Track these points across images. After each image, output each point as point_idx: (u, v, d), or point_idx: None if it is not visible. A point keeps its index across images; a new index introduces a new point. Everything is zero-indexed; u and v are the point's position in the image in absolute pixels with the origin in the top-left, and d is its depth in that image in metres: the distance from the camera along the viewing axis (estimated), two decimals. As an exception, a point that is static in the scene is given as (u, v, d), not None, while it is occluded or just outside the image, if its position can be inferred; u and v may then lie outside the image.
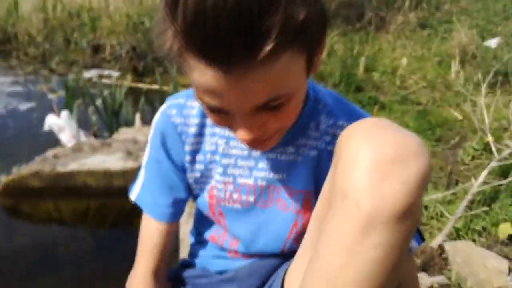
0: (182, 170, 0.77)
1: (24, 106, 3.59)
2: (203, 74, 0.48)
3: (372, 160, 0.46)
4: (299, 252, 0.69)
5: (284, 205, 0.73)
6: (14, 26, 5.29)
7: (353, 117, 0.69)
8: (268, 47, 0.44)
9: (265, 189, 0.73)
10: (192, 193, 0.81)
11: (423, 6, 6.32)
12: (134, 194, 0.81)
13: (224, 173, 0.74)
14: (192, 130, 0.74)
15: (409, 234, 0.46)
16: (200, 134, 0.74)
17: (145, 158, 0.80)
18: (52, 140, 2.83)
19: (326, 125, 0.70)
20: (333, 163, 0.55)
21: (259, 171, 0.73)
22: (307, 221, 0.71)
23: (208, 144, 0.74)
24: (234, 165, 0.73)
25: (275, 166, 0.72)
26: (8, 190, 2.13)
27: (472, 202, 2.19)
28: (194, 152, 0.75)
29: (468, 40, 4.47)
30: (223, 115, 0.55)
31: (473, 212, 2.12)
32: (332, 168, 0.56)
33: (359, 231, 0.45)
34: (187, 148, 0.75)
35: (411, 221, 0.45)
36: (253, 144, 0.58)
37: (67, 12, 5.35)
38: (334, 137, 0.69)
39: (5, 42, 5.36)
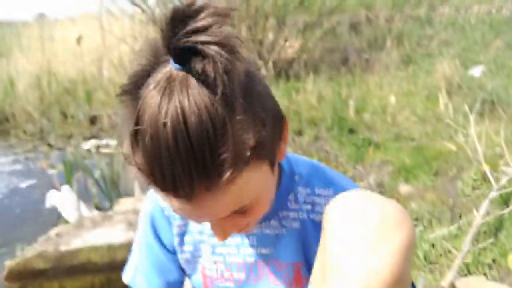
0: (173, 252, 0.78)
1: (25, 184, 3.64)
2: (169, 201, 0.50)
3: (358, 233, 0.48)
4: None
5: (275, 279, 0.73)
6: (11, 105, 5.45)
7: (330, 183, 0.71)
8: (225, 177, 0.46)
9: (254, 265, 0.74)
10: (185, 273, 0.82)
11: (404, 44, 6.57)
12: (127, 277, 0.81)
13: (213, 253, 0.75)
14: None
15: None
16: None
17: (136, 239, 0.81)
18: (54, 215, 2.85)
19: (305, 195, 0.71)
20: (322, 236, 0.56)
21: (246, 247, 0.73)
22: None
23: (194, 225, 0.75)
24: (223, 244, 0.74)
25: (261, 241, 0.73)
26: (13, 274, 2.11)
27: (478, 234, 2.18)
28: (182, 234, 0.76)
29: (452, 71, 4.62)
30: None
31: (480, 246, 2.10)
32: (321, 241, 0.57)
33: None
34: (175, 230, 0.76)
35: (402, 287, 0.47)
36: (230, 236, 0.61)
37: (62, 87, 5.53)
38: (314, 205, 0.71)
39: (3, 121, 5.51)
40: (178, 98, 0.43)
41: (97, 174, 2.89)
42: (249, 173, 0.50)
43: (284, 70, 5.79)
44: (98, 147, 4.22)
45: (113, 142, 4.34)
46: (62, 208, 2.75)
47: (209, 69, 0.43)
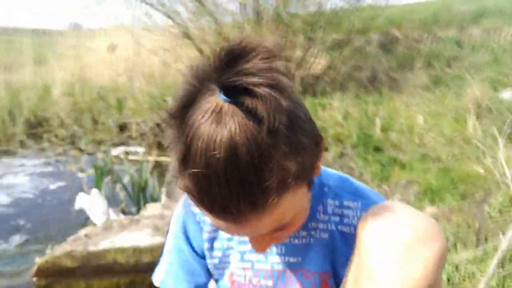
0: (202, 256, 0.81)
1: (55, 186, 3.76)
2: (215, 221, 0.53)
3: (394, 244, 0.51)
4: None
5: (302, 286, 0.75)
6: (45, 110, 5.66)
7: (359, 196, 0.73)
8: (269, 202, 0.48)
9: (282, 273, 0.75)
10: (212, 277, 0.84)
11: (433, 65, 6.51)
12: (158, 279, 0.85)
13: (242, 259, 0.77)
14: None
15: None
16: None
17: (168, 243, 0.83)
18: (82, 218, 2.94)
19: (333, 207, 0.73)
20: (355, 246, 0.59)
21: (274, 256, 0.75)
22: None
23: (224, 232, 0.80)
24: (250, 251, 0.75)
25: (289, 251, 0.74)
26: (42, 271, 2.19)
27: (503, 259, 2.13)
28: (212, 240, 0.79)
29: (481, 93, 4.55)
30: None
31: (506, 271, 2.05)
32: (355, 251, 0.60)
33: None
34: (205, 236, 0.78)
35: None
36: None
37: (95, 94, 5.73)
38: (342, 216, 0.72)
39: (37, 126, 5.72)
40: (228, 128, 0.45)
41: (126, 179, 2.97)
42: (290, 196, 0.51)
43: (311, 86, 5.83)
44: (126, 153, 4.34)
45: (141, 150, 4.46)
46: (91, 211, 2.84)
47: (259, 106, 0.45)
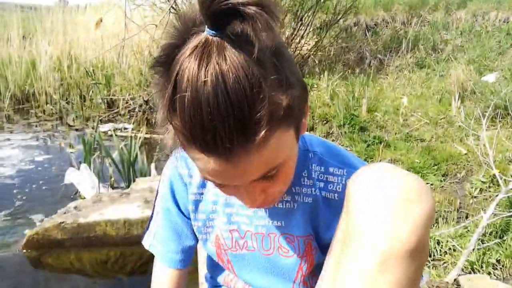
0: (189, 217, 0.82)
1: (44, 161, 3.74)
2: (206, 162, 0.52)
3: (385, 202, 0.51)
4: None
5: (285, 251, 0.76)
6: (32, 85, 5.58)
7: (344, 163, 0.74)
8: (260, 135, 0.49)
9: (265, 237, 0.76)
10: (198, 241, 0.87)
11: (420, 48, 6.57)
12: (147, 243, 0.86)
13: (229, 222, 0.78)
14: (196, 180, 0.79)
15: (421, 268, 0.51)
16: (202, 185, 0.79)
17: (156, 206, 0.85)
18: (72, 192, 2.95)
19: (318, 173, 0.73)
20: (344, 207, 0.59)
21: (259, 219, 0.76)
22: (311, 264, 0.75)
23: (210, 195, 0.78)
24: (237, 213, 0.77)
25: (273, 214, 0.75)
26: (32, 243, 2.21)
27: (484, 235, 2.23)
28: (197, 202, 0.80)
29: (466, 77, 4.63)
30: (227, 188, 0.60)
31: (485, 245, 2.15)
32: (343, 212, 0.60)
33: (376, 269, 0.50)
34: (190, 197, 0.79)
35: (422, 256, 0.51)
36: (258, 208, 0.65)
37: (83, 70, 5.65)
38: (327, 183, 0.73)
39: (24, 101, 5.64)
40: (215, 60, 0.45)
41: (115, 154, 2.98)
42: (280, 134, 0.52)
43: (299, 66, 5.84)
44: (115, 130, 4.32)
45: (129, 126, 4.45)
46: (80, 185, 2.85)
47: (249, 28, 0.44)
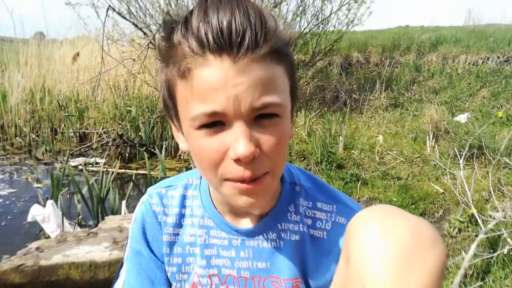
0: (162, 262, 0.75)
1: (8, 195, 3.54)
2: (210, 68, 0.53)
3: (392, 250, 0.44)
4: None
5: None
6: (1, 117, 5.38)
7: (332, 198, 0.70)
8: (268, 45, 0.53)
9: (249, 281, 0.70)
10: None
11: (393, 88, 6.76)
12: None
13: (208, 265, 0.71)
14: (171, 220, 0.73)
15: None
16: (178, 225, 0.73)
17: (126, 252, 0.77)
18: (36, 230, 2.77)
19: (306, 208, 0.70)
20: (343, 255, 0.53)
21: (241, 260, 0.70)
22: None
23: (186, 236, 0.73)
24: (217, 255, 0.71)
25: (257, 255, 0.69)
26: (-13, 288, 2.02)
27: (465, 276, 2.19)
28: (172, 244, 0.73)
29: (439, 116, 4.75)
30: (218, 132, 0.55)
31: None
32: (342, 261, 0.53)
33: None
34: (165, 238, 0.73)
35: None
36: (249, 175, 0.56)
37: (56, 103, 5.51)
38: (315, 219, 0.69)
39: (-9, 134, 5.43)
40: None
41: (84, 190, 2.84)
42: (279, 72, 0.56)
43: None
44: (86, 164, 4.16)
45: (101, 161, 4.29)
46: (45, 223, 2.68)
47: None
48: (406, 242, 0.45)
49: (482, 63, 7.17)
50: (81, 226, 2.81)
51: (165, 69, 0.59)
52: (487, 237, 2.36)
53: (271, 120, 0.56)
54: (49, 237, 2.56)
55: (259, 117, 0.55)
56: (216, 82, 0.53)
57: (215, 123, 0.55)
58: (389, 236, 0.46)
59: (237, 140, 0.54)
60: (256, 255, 0.69)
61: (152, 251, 0.74)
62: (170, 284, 0.76)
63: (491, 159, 3.26)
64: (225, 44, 0.52)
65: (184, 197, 0.75)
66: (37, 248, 2.17)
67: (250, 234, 0.69)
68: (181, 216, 0.74)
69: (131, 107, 5.05)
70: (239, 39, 0.51)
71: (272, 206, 0.70)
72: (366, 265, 0.45)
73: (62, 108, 5.33)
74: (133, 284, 0.74)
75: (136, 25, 4.72)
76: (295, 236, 0.69)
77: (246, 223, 0.70)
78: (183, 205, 0.74)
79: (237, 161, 0.56)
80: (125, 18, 4.75)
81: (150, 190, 0.76)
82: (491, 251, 2.32)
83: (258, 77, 0.53)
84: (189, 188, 0.75)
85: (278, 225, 0.69)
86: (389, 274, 0.43)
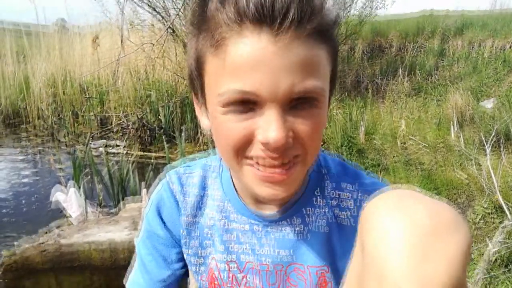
0: (178, 243, 0.71)
1: (31, 177, 3.62)
2: (247, 41, 0.48)
3: (408, 237, 0.41)
4: None
5: (295, 285, 0.66)
6: (24, 100, 5.48)
7: (354, 176, 0.67)
8: (314, 23, 0.49)
9: (271, 271, 0.66)
10: (188, 271, 0.74)
11: (416, 73, 6.59)
12: (128, 280, 0.74)
13: (227, 251, 0.68)
14: (190, 201, 0.70)
15: None
16: (197, 207, 0.70)
17: (138, 236, 0.73)
18: (58, 211, 2.82)
19: (331, 189, 0.66)
20: (358, 242, 0.49)
21: (263, 247, 0.66)
22: None
23: (205, 219, 0.69)
24: (236, 241, 0.67)
25: (280, 242, 0.66)
26: (10, 266, 2.07)
27: (488, 263, 2.13)
28: (190, 226, 0.70)
29: (464, 102, 4.60)
30: (247, 112, 0.51)
31: (491, 275, 2.05)
32: (357, 248, 0.50)
33: None
34: (182, 219, 0.69)
35: None
36: (278, 159, 0.53)
37: (76, 87, 5.58)
38: (340, 200, 0.66)
39: (15, 116, 5.54)
40: None
41: (104, 172, 2.87)
42: (322, 56, 0.52)
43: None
44: (106, 147, 4.22)
45: (122, 144, 4.34)
46: (66, 204, 2.72)
47: None
48: (424, 227, 0.41)
49: (510, 47, 6.90)
50: (101, 207, 2.85)
51: (196, 37, 0.54)
52: (513, 226, 2.29)
53: (309, 107, 0.52)
54: (70, 217, 2.60)
55: (296, 102, 0.51)
56: (253, 57, 0.48)
57: (245, 102, 0.50)
58: (406, 220, 0.42)
59: (269, 124, 0.50)
60: (279, 243, 0.66)
61: (168, 230, 0.71)
62: (185, 266, 0.73)
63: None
64: (267, 16, 0.47)
65: (204, 179, 0.71)
66: (58, 229, 2.21)
67: (273, 220, 0.65)
68: (201, 198, 0.70)
69: (150, 91, 5.07)
70: (283, 11, 0.47)
71: (297, 190, 0.65)
72: (381, 253, 0.42)
73: (84, 91, 5.40)
74: (147, 265, 0.71)
75: (154, 9, 4.70)
76: (321, 222, 0.65)
77: (269, 208, 0.66)
78: (202, 187, 0.70)
79: (266, 144, 0.51)
80: (142, 2, 4.74)
81: (169, 169, 0.73)
82: (517, 239, 2.25)
83: (300, 57, 0.49)
84: (208, 170, 0.72)
85: (303, 210, 0.65)
86: (406, 263, 0.40)
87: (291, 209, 0.66)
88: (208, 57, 0.52)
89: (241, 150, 0.53)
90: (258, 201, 0.66)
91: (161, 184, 0.72)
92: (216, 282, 0.69)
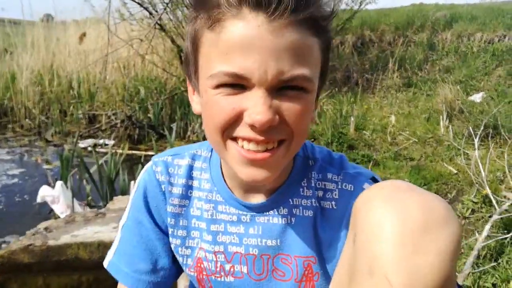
0: (165, 233, 0.70)
1: (18, 177, 3.57)
2: (242, 23, 0.49)
3: (400, 230, 0.42)
4: None
5: (281, 275, 0.66)
6: (11, 99, 5.40)
7: (339, 167, 0.67)
8: (309, 12, 0.50)
9: (257, 259, 0.67)
10: (176, 263, 0.73)
11: (406, 67, 6.61)
12: (107, 260, 0.72)
13: (214, 242, 0.68)
14: (177, 190, 0.69)
15: None
16: (185, 196, 0.70)
17: (123, 220, 0.72)
18: (46, 211, 2.78)
19: (316, 180, 0.67)
20: (350, 234, 0.50)
21: (250, 237, 0.66)
22: None
23: (193, 209, 0.69)
24: (224, 231, 0.67)
25: (267, 232, 0.66)
26: (-3, 267, 2.03)
27: (478, 257, 2.14)
28: (177, 216, 0.69)
29: (453, 96, 4.63)
30: (236, 93, 0.52)
31: (481, 269, 2.06)
32: (349, 240, 0.51)
33: None
34: (170, 209, 0.69)
35: None
36: (262, 139, 0.53)
37: (65, 85, 5.51)
38: (325, 191, 0.66)
39: (1, 115, 5.46)
40: None
41: (93, 170, 2.83)
42: (314, 46, 0.53)
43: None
44: (95, 146, 4.17)
45: (110, 142, 4.29)
46: (54, 204, 2.69)
47: None
48: (415, 220, 0.42)
49: (498, 41, 6.95)
50: (90, 206, 2.82)
51: (194, 19, 0.56)
52: (501, 218, 2.30)
53: (297, 93, 0.53)
54: (58, 217, 2.57)
55: (284, 88, 0.52)
56: (246, 39, 0.49)
57: (235, 84, 0.52)
58: (397, 213, 0.43)
59: (255, 105, 0.51)
60: (266, 232, 0.66)
61: (154, 220, 0.70)
62: (170, 258, 0.72)
63: (507, 138, 3.18)
64: (264, 0, 0.48)
65: (191, 168, 0.71)
66: (46, 228, 2.18)
67: (260, 209, 0.66)
68: (188, 187, 0.70)
69: (139, 88, 5.02)
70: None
71: (284, 180, 0.66)
72: (372, 245, 0.43)
73: (72, 88, 5.33)
74: (132, 254, 0.70)
75: (141, 5, 4.64)
76: (308, 212, 0.66)
77: (257, 199, 0.67)
78: (190, 176, 0.70)
79: (252, 127, 0.52)
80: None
81: (155, 158, 0.72)
82: (505, 231, 2.26)
83: (292, 44, 0.50)
84: (197, 160, 0.72)
85: (290, 200, 0.66)
86: (396, 255, 0.41)
87: (278, 198, 0.66)
88: (204, 38, 0.54)
89: (228, 130, 0.54)
90: (247, 190, 0.67)
91: (147, 174, 0.71)
92: (204, 273, 0.69)
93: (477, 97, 5.06)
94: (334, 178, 0.66)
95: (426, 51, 7.21)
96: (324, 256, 0.65)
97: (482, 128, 3.27)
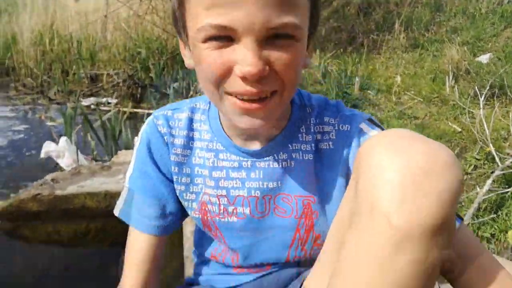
0: (170, 180, 0.74)
1: (23, 132, 3.60)
2: None
3: (403, 172, 0.43)
4: (315, 268, 0.65)
5: (282, 212, 0.70)
6: (12, 58, 5.35)
7: (339, 112, 0.69)
8: None
9: (260, 200, 0.70)
10: (181, 208, 0.77)
11: (413, 28, 6.46)
12: (117, 209, 0.77)
13: (217, 187, 0.71)
14: (179, 141, 0.72)
15: (445, 246, 0.43)
16: (187, 147, 0.72)
17: (129, 172, 0.76)
18: (51, 165, 2.82)
19: (314, 125, 0.69)
20: (352, 179, 0.52)
21: (252, 181, 0.69)
22: (311, 228, 0.69)
23: (196, 158, 0.72)
24: (226, 177, 0.71)
25: (268, 175, 0.69)
26: (6, 214, 2.09)
27: (478, 210, 2.18)
28: (180, 164, 0.72)
29: (460, 57, 4.55)
30: (225, 46, 0.52)
31: (480, 220, 2.09)
32: (351, 184, 0.53)
33: (390, 247, 0.42)
34: (173, 158, 0.72)
35: (447, 233, 0.43)
36: (255, 92, 0.54)
37: (66, 44, 5.44)
38: (323, 134, 0.69)
39: (3, 75, 5.43)
40: None
41: (97, 126, 2.84)
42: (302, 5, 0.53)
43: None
44: (98, 104, 4.17)
45: (113, 101, 4.29)
46: (59, 158, 2.71)
47: None
48: (418, 164, 0.43)
49: (508, 2, 6.75)
50: (96, 161, 2.85)
51: None
52: (504, 174, 2.32)
53: (286, 41, 0.53)
54: (64, 170, 2.60)
55: (273, 37, 0.52)
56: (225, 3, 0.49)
57: (223, 37, 0.51)
58: (400, 157, 0.44)
59: (245, 57, 0.51)
60: (267, 176, 0.69)
61: (159, 169, 0.73)
62: (177, 204, 0.76)
63: (513, 97, 3.14)
64: None
65: (191, 120, 0.73)
66: (53, 180, 2.21)
67: (260, 155, 0.69)
68: (189, 138, 0.72)
69: (140, 48, 4.95)
70: None
71: (282, 127, 0.69)
72: (374, 187, 0.44)
73: (72, 48, 5.27)
74: (141, 201, 0.73)
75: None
76: (307, 156, 0.69)
77: (256, 146, 0.69)
78: (190, 128, 0.72)
79: (243, 79, 0.52)
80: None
81: (156, 112, 0.74)
82: (506, 186, 2.29)
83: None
84: (196, 112, 0.74)
85: (289, 145, 0.69)
86: (397, 196, 0.42)
87: (277, 144, 0.69)
88: None
89: (221, 84, 0.55)
90: (246, 138, 0.69)
91: (149, 127, 0.73)
92: (208, 215, 0.73)
93: (484, 58, 4.98)
94: (331, 121, 0.69)
95: (433, 12, 7.02)
96: (323, 196, 0.68)
97: (488, 88, 3.24)
